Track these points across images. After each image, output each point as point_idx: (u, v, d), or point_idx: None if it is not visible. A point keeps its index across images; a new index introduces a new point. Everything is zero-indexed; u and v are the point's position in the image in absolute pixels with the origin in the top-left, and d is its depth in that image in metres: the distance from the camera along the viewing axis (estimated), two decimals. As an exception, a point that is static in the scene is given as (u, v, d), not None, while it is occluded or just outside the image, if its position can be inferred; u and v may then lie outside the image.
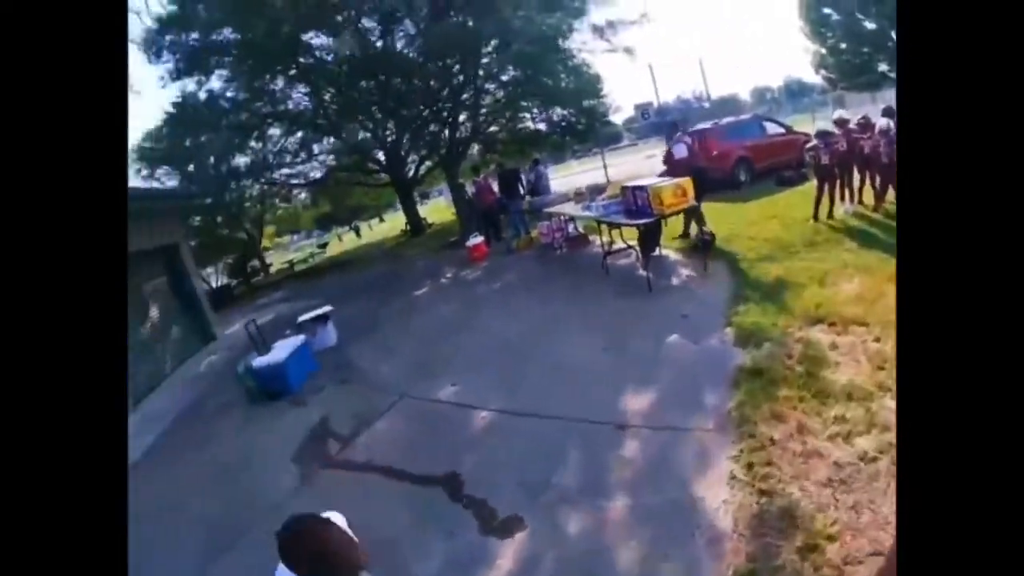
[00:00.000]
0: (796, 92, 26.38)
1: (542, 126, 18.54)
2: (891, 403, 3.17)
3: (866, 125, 7.65)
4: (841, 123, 7.77)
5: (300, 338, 6.92)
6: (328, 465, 4.53)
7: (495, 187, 12.56)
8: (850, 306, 4.59)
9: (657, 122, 20.73)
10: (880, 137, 7.05)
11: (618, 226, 7.39)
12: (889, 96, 21.79)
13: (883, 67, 21.35)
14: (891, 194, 7.36)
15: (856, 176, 7.95)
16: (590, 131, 18.51)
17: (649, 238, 6.84)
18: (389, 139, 18.05)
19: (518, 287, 8.57)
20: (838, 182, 7.67)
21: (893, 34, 20.58)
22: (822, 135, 7.78)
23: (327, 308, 7.90)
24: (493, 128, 18.43)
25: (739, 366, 4.15)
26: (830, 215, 7.54)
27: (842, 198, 7.78)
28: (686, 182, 6.47)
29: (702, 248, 7.14)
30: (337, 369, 6.72)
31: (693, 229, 7.82)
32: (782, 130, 13.10)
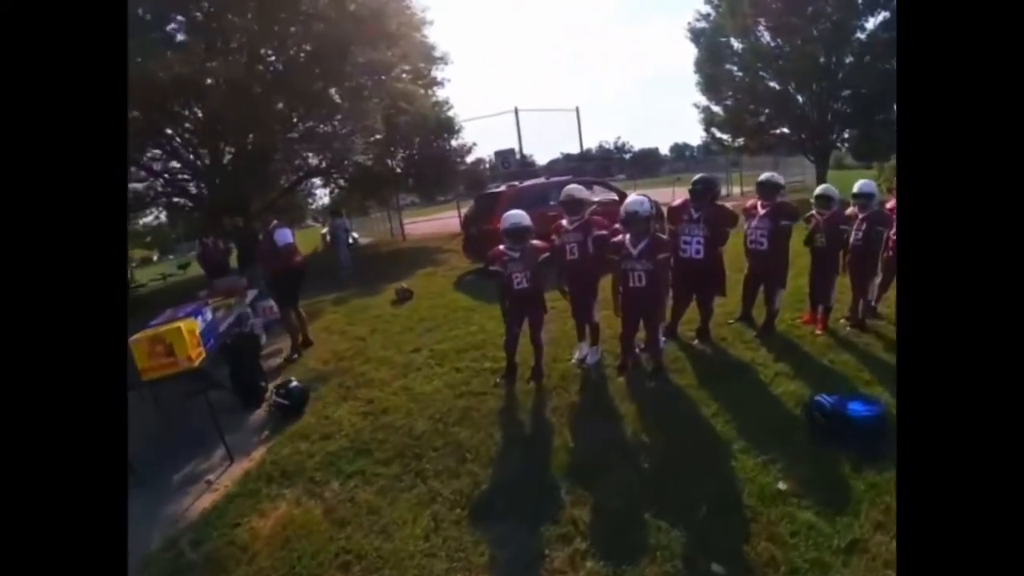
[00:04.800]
0: (715, 151, 25.84)
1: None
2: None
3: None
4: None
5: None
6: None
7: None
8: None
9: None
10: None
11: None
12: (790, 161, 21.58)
13: (784, 129, 21.40)
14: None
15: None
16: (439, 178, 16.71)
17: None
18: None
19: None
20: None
21: (799, 97, 20.65)
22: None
23: None
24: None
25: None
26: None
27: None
28: (174, 331, 3.92)
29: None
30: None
31: None
32: (613, 196, 10.58)
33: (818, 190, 5.43)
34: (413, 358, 5.75)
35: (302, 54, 12.08)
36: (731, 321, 5.55)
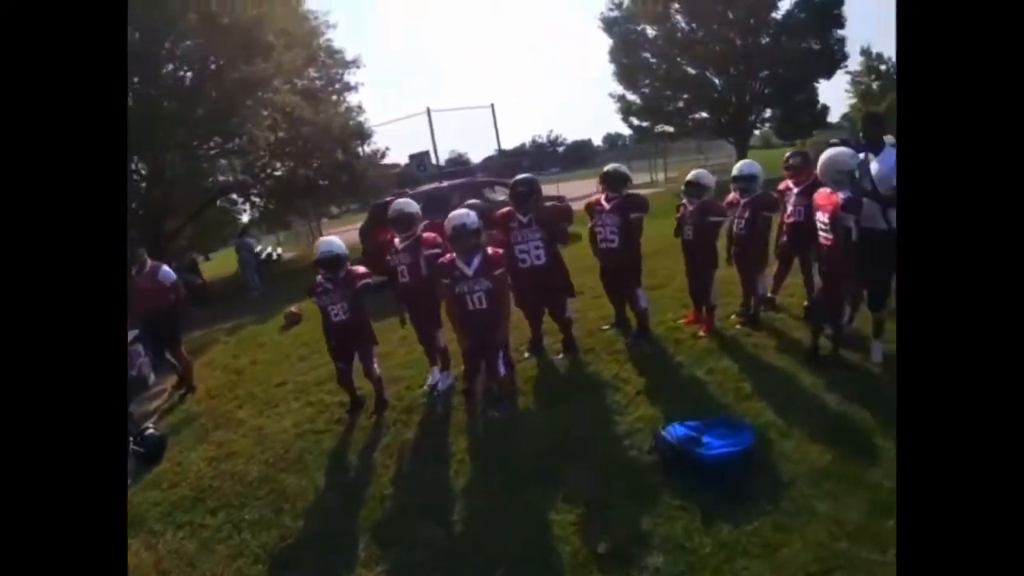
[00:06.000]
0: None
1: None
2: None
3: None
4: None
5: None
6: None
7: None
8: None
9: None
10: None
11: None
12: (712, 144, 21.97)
13: (703, 113, 21.71)
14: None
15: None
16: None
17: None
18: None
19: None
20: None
21: (717, 81, 20.91)
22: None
23: None
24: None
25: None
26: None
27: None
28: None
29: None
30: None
31: None
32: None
33: (689, 176, 4.89)
34: (275, 393, 5.36)
35: (182, 71, 11.62)
36: (605, 327, 5.13)
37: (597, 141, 68.39)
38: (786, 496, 2.68)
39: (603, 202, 4.70)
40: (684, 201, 4.80)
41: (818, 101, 22.08)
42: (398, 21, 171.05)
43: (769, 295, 5.11)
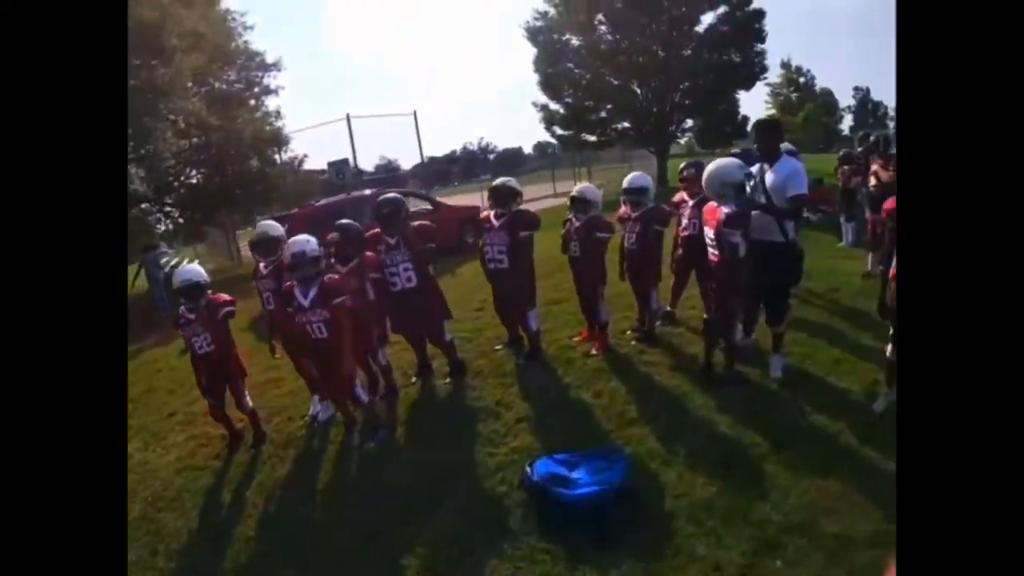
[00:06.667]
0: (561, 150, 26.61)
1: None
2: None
3: None
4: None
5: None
6: None
7: None
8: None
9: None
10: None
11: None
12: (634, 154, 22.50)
13: (625, 123, 22.13)
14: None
15: None
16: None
17: None
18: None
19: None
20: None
21: (639, 91, 21.32)
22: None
23: None
24: None
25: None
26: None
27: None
28: None
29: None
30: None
31: None
32: (428, 206, 10.68)
33: (573, 191, 4.72)
34: (164, 425, 5.12)
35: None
36: (498, 347, 4.99)
37: (528, 149, 69.01)
38: (663, 536, 2.59)
39: (492, 219, 4.50)
40: (571, 216, 4.64)
41: (739, 112, 22.88)
42: (335, 25, 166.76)
43: (668, 309, 5.08)
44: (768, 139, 3.87)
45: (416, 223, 4.44)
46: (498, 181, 4.63)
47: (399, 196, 4.49)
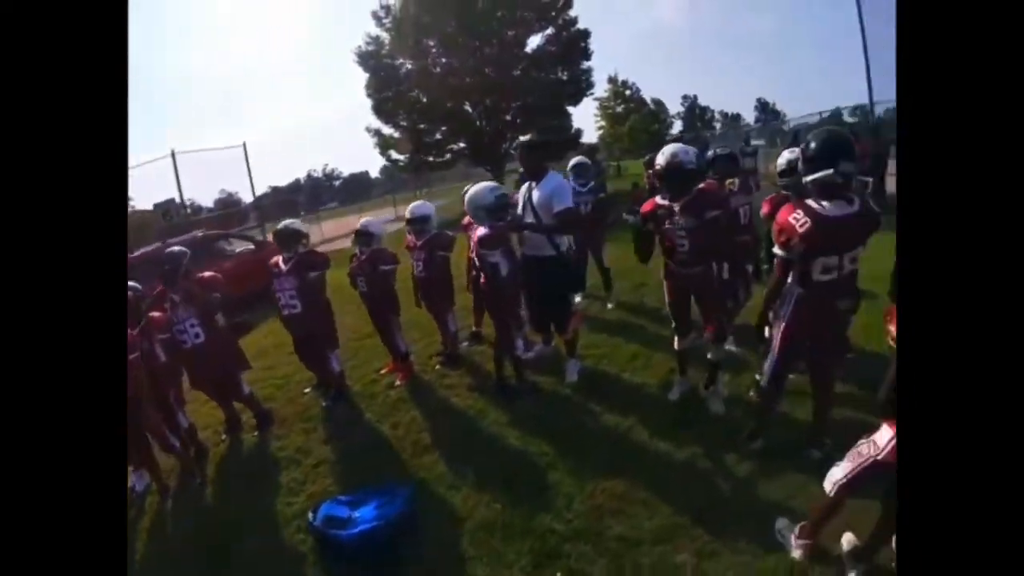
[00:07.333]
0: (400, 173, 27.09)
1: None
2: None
3: None
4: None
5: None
6: None
7: None
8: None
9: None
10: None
11: None
12: (473, 172, 23.44)
13: (461, 143, 22.41)
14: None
15: None
16: None
17: None
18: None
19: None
20: None
21: (472, 111, 21.88)
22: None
23: None
24: None
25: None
26: None
27: None
28: None
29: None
30: None
31: None
32: (251, 247, 9.87)
33: (358, 225, 4.76)
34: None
35: None
36: (307, 390, 4.93)
37: (374, 173, 67.85)
38: (446, 562, 2.61)
39: (280, 264, 4.42)
40: (357, 251, 4.68)
41: (571, 127, 24.08)
42: (162, 55, 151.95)
43: (474, 329, 5.28)
44: (531, 157, 3.98)
45: (201, 275, 4.28)
46: (281, 224, 4.58)
47: (181, 250, 4.27)
